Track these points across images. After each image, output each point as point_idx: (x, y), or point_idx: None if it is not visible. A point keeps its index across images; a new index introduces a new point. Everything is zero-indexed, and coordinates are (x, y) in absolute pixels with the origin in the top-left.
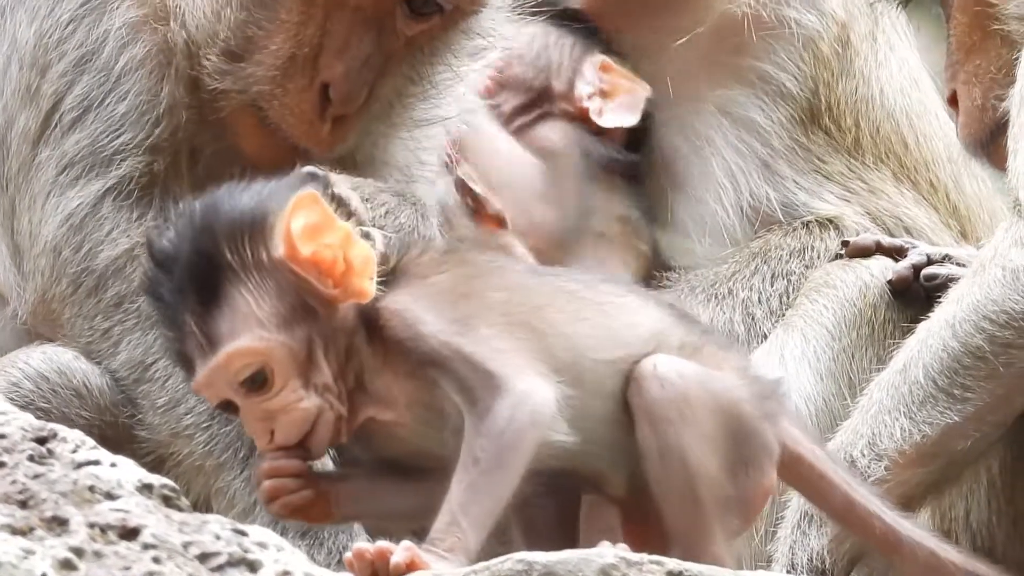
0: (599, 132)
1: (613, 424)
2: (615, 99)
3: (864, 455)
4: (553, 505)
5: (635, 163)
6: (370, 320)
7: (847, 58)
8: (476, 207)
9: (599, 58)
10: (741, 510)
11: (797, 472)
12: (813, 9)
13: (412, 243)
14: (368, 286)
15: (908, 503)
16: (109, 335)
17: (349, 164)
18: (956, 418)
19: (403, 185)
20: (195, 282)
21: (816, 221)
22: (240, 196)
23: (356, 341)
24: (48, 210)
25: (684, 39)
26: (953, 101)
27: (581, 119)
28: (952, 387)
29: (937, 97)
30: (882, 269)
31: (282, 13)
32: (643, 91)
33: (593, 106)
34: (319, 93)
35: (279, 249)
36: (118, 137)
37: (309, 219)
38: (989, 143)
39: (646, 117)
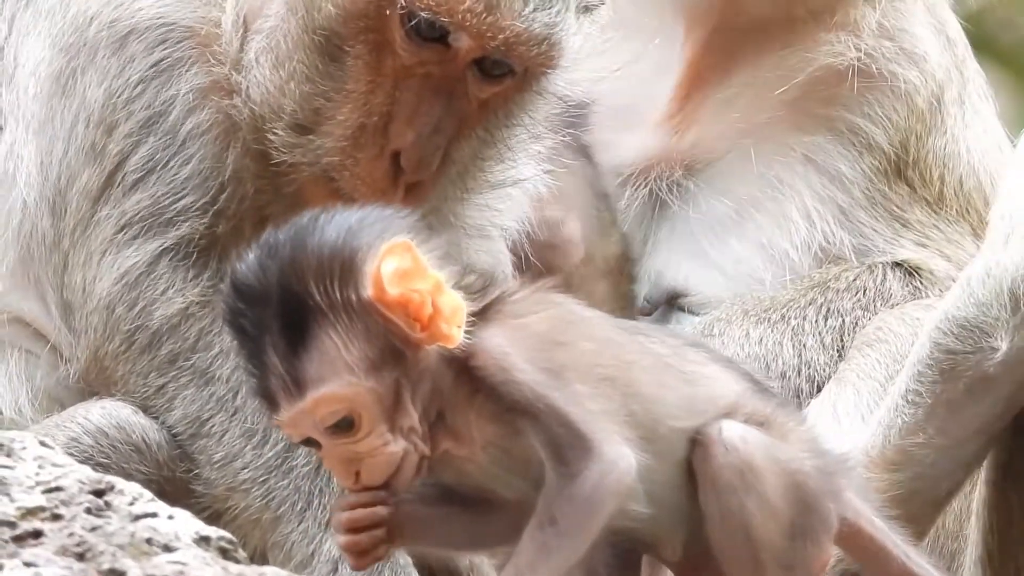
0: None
1: (676, 489)
2: None
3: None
4: (615, 557)
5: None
6: (460, 356)
7: (940, 115)
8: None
9: None
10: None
11: (856, 543)
12: (915, 66)
13: (504, 281)
14: (456, 333)
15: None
16: (164, 391)
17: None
18: (910, 421)
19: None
20: (282, 321)
21: (883, 264)
22: (328, 230)
23: (442, 376)
24: (104, 268)
25: (783, 88)
26: None
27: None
28: (909, 393)
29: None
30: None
31: (349, 84)
32: None
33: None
34: (390, 161)
35: (368, 290)
36: (180, 200)
37: (401, 264)
38: None
39: None
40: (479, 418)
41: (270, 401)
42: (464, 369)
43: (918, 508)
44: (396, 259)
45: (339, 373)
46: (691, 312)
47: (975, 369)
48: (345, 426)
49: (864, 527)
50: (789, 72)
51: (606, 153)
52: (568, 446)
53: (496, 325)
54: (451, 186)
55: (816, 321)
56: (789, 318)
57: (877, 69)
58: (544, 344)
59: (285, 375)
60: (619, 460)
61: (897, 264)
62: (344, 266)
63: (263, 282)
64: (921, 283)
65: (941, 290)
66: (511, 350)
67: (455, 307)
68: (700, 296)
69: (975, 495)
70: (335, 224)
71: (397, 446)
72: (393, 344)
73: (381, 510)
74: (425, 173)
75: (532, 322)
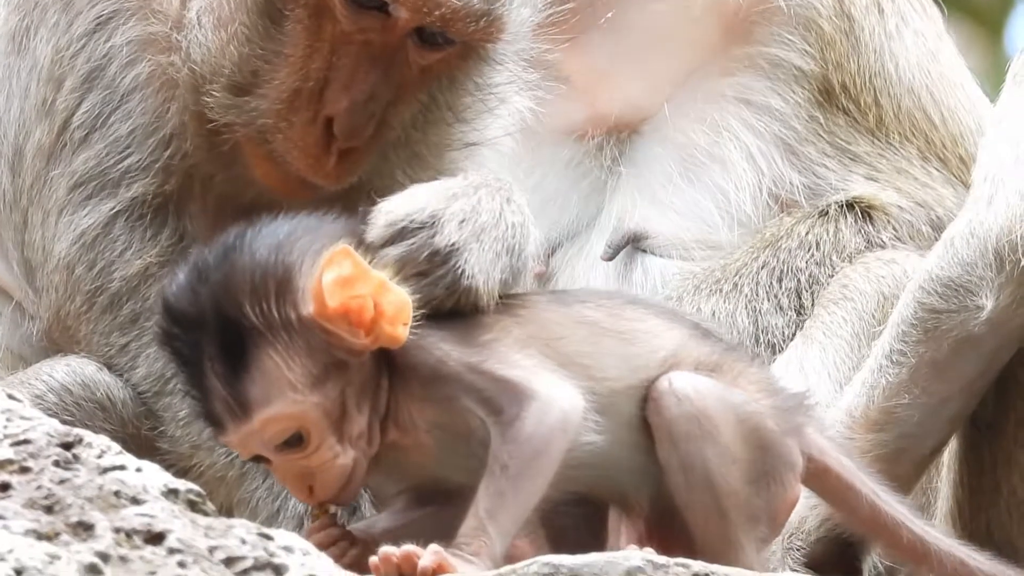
0: None
1: (634, 447)
2: None
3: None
4: (581, 511)
5: None
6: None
7: (853, 34)
8: None
9: None
10: (766, 519)
11: (824, 482)
12: None
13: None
14: (401, 332)
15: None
16: (127, 350)
17: (363, 193)
18: (894, 381)
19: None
20: (219, 345)
21: (836, 206)
22: (257, 249)
23: (381, 370)
24: (61, 228)
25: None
26: None
27: None
28: (892, 353)
29: (962, 67)
30: (897, 279)
31: (288, 47)
32: None
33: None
34: (324, 127)
35: (307, 306)
36: (124, 159)
37: (341, 271)
38: None
39: None
40: (414, 402)
41: (215, 423)
42: (394, 359)
43: (903, 468)
44: (336, 269)
45: (283, 392)
46: (653, 253)
47: (960, 328)
48: (295, 442)
49: (831, 465)
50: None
51: (552, 119)
52: (499, 395)
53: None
54: (392, 151)
55: (770, 285)
56: (742, 286)
57: None
58: (466, 325)
59: (228, 398)
60: (560, 396)
61: (850, 207)
62: (279, 285)
63: (196, 306)
64: (874, 228)
65: (896, 230)
66: (431, 330)
67: (400, 304)
68: (660, 237)
69: (944, 448)
70: (263, 241)
71: (347, 457)
72: (335, 355)
73: (337, 530)
74: (357, 140)
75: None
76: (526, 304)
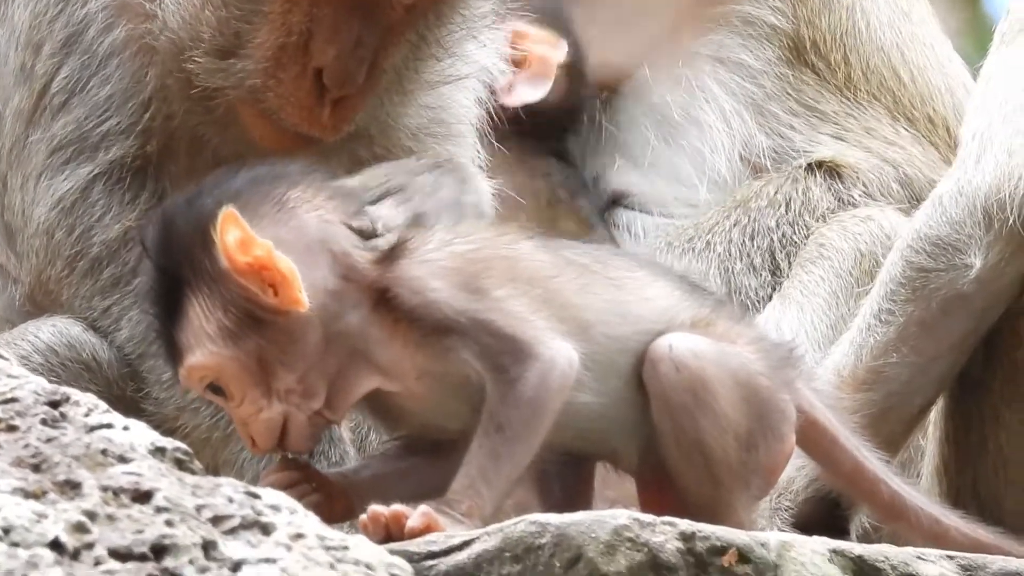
0: (509, 110)
1: (624, 402)
2: (526, 72)
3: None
4: (568, 469)
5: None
6: (376, 292)
7: None
8: None
9: (513, 25)
10: (762, 476)
11: (810, 436)
12: None
13: (418, 226)
14: (301, 297)
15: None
16: (109, 313)
17: (364, 137)
18: (882, 340)
19: (441, 149)
20: (161, 291)
21: (806, 167)
22: (202, 200)
23: (355, 318)
24: (40, 192)
25: None
26: None
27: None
28: (881, 312)
29: (934, 27)
30: (874, 235)
31: (266, 4)
32: (557, 55)
33: (501, 85)
34: (314, 79)
35: (221, 260)
36: (103, 122)
37: (237, 234)
38: None
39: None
40: (406, 348)
41: (165, 361)
42: (382, 303)
43: (892, 426)
44: (233, 228)
45: (202, 343)
46: (633, 208)
47: (948, 287)
48: (219, 391)
49: (819, 418)
50: None
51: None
52: (502, 353)
53: (407, 259)
54: (387, 94)
55: (743, 243)
56: (715, 244)
57: None
58: (458, 265)
59: (166, 343)
60: (557, 356)
61: (818, 166)
62: (199, 239)
63: (151, 253)
64: (843, 185)
65: (865, 186)
66: (421, 273)
67: (288, 269)
68: (641, 195)
69: (932, 407)
70: (209, 192)
71: (272, 411)
72: (252, 311)
73: (293, 473)
74: (350, 88)
75: (444, 252)
76: (515, 247)
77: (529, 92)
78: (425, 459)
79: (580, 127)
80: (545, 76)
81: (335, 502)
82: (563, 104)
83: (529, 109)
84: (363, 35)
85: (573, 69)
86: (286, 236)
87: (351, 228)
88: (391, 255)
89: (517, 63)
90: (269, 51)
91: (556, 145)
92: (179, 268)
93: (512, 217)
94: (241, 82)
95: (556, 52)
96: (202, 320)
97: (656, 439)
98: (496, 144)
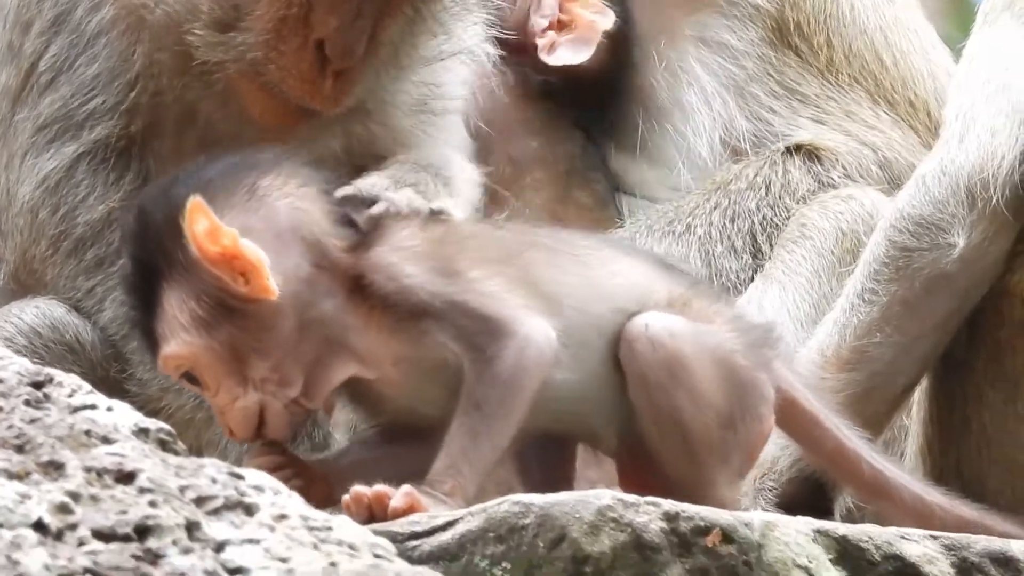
0: (545, 70)
1: (602, 383)
2: (571, 34)
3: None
4: (550, 452)
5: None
6: (350, 279)
7: None
8: None
9: None
10: (741, 455)
11: (789, 416)
12: None
13: (392, 213)
14: (270, 285)
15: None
16: (93, 293)
17: (360, 112)
18: (866, 319)
19: (432, 128)
20: (134, 282)
21: (785, 150)
22: (167, 193)
23: (330, 306)
24: (25, 171)
25: None
26: None
27: (528, 53)
28: (864, 292)
29: (918, 13)
30: (856, 213)
31: None
32: (605, 23)
33: (543, 42)
34: (315, 51)
35: (192, 249)
36: (89, 101)
37: (205, 224)
38: None
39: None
40: (381, 334)
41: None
42: (356, 290)
43: (876, 406)
44: (201, 218)
45: (176, 333)
46: (623, 192)
47: (931, 266)
48: (195, 381)
49: (798, 398)
50: None
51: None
52: (478, 332)
53: (381, 245)
54: (384, 68)
55: (723, 226)
56: (695, 227)
57: None
58: (431, 250)
59: (143, 333)
60: (533, 333)
61: (797, 149)
62: (170, 229)
63: (127, 242)
64: (823, 167)
65: (845, 168)
66: (396, 259)
67: (256, 258)
68: (626, 177)
69: (916, 387)
70: (166, 185)
71: (247, 400)
72: (225, 301)
73: (274, 458)
74: (351, 60)
75: (418, 239)
76: (486, 230)
77: (570, 55)
78: (405, 445)
79: (615, 101)
80: (589, 41)
81: (315, 488)
82: (601, 74)
83: (567, 72)
84: (363, 5)
85: (619, 38)
86: (256, 224)
87: (326, 215)
88: (365, 242)
89: (563, 24)
90: (270, 23)
91: (585, 115)
92: (153, 258)
93: (527, 173)
94: (242, 55)
95: (604, 19)
96: (176, 310)
97: (635, 420)
98: (519, 106)
